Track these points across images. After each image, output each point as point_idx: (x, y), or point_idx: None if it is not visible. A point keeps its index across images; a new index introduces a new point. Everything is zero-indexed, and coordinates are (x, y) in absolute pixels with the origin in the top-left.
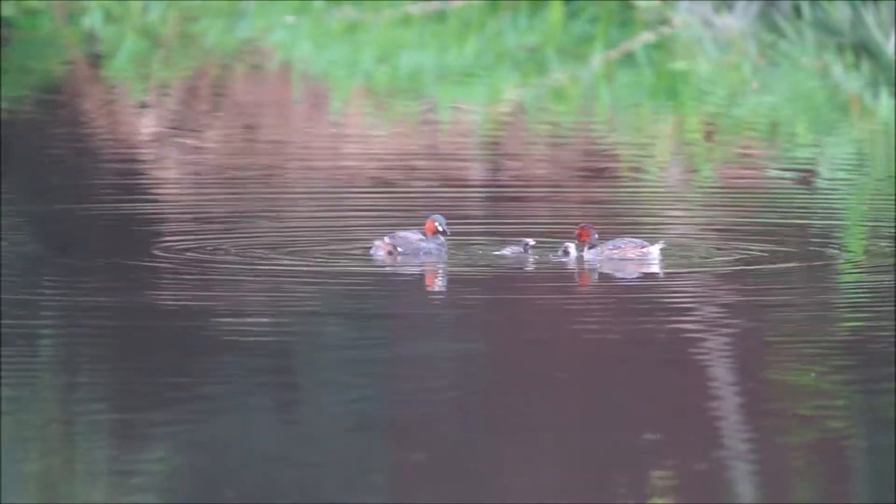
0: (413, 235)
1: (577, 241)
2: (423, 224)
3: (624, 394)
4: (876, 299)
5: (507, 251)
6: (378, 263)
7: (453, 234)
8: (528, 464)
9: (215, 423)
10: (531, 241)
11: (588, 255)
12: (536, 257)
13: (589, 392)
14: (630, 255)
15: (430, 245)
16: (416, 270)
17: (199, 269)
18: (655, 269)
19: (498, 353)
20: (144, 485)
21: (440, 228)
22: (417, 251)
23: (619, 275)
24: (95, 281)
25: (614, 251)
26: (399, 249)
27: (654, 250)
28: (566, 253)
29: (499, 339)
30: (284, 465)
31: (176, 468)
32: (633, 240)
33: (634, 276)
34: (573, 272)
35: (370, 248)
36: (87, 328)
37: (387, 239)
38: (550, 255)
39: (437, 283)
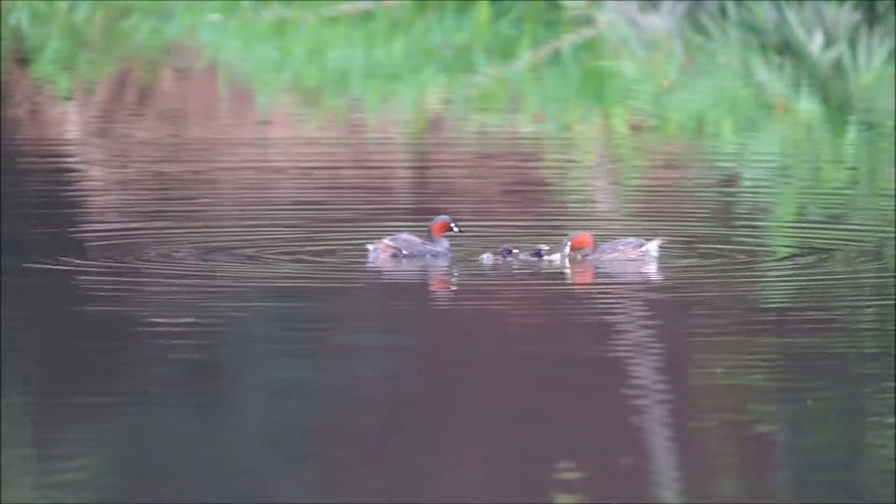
0: (416, 238)
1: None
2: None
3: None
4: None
5: (486, 257)
6: (379, 266)
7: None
8: (455, 463)
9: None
10: (513, 248)
11: (588, 258)
12: (510, 260)
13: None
14: (631, 255)
15: (436, 248)
16: (421, 274)
17: (129, 274)
18: (653, 267)
19: (451, 353)
20: (74, 484)
21: (454, 228)
22: (423, 254)
23: (618, 276)
24: (21, 284)
25: (615, 254)
26: (403, 252)
27: (653, 247)
28: (538, 254)
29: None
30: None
31: (107, 468)
32: (630, 240)
33: (632, 276)
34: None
35: (367, 251)
36: (16, 333)
37: (387, 241)
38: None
39: (444, 286)
